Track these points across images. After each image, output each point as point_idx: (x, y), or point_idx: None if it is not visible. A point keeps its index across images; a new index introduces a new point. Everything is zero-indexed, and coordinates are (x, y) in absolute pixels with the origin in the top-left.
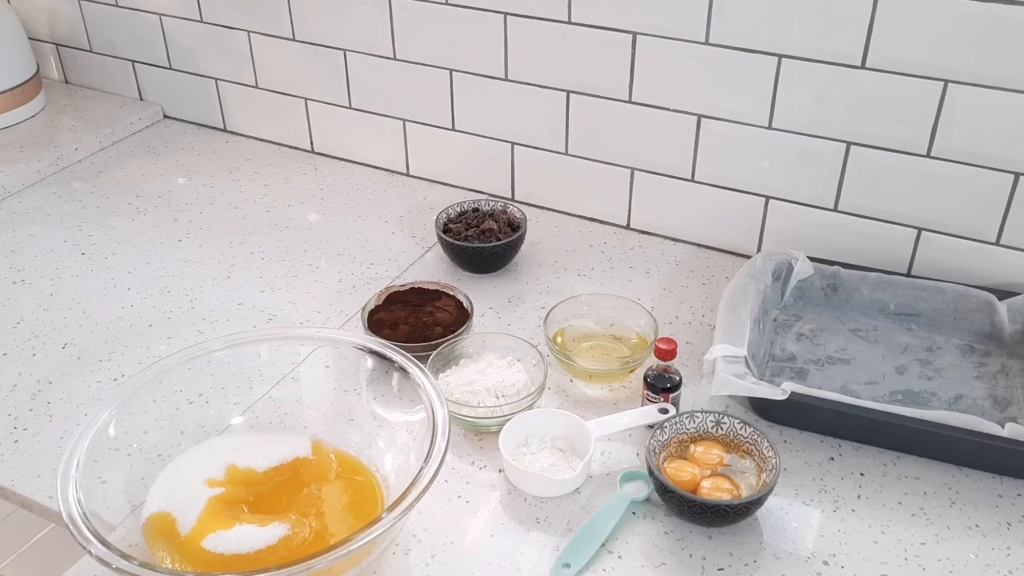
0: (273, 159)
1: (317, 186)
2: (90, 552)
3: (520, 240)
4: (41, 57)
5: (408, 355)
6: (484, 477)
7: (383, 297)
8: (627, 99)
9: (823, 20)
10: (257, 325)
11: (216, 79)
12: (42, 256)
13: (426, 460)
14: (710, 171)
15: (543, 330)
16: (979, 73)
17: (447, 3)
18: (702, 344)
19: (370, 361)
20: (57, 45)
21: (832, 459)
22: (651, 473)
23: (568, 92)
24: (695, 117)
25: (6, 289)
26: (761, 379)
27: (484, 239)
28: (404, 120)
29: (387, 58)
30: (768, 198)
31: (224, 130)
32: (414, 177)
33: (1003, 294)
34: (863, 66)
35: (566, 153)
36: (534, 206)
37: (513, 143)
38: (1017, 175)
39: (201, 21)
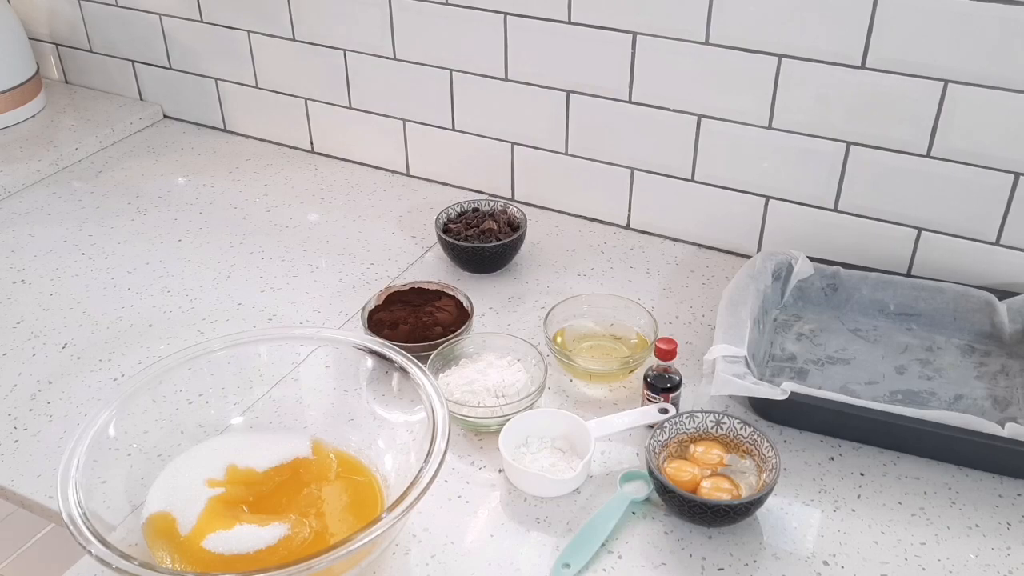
0: (273, 159)
1: (317, 186)
2: (90, 552)
3: (520, 240)
4: (41, 57)
5: (408, 355)
6: (484, 477)
7: (383, 297)
8: (627, 99)
9: (823, 20)
10: (257, 325)
11: (216, 79)
12: (42, 256)
13: (426, 460)
14: (710, 171)
15: (543, 330)
16: (979, 73)
17: (447, 3)
18: (702, 344)
19: (370, 361)
20: (57, 45)
21: (832, 459)
22: (651, 473)
23: (568, 92)
24: (695, 117)
25: (6, 289)
26: (761, 379)
27: (484, 239)
28: (404, 120)
29: (387, 58)
30: (768, 198)
31: (224, 130)
32: (414, 177)
33: (1003, 294)
34: (863, 66)
35: (566, 153)
36: (534, 206)
37: (513, 143)
38: (1017, 175)
39: (201, 21)
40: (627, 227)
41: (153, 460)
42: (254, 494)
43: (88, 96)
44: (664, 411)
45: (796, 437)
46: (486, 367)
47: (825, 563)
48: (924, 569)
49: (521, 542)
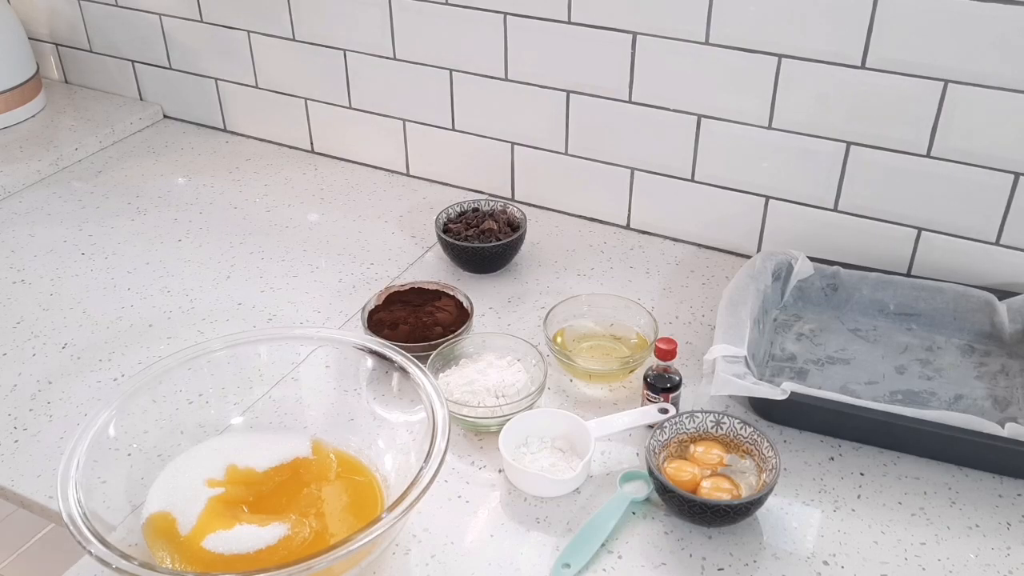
0: (273, 159)
1: (317, 186)
2: (90, 552)
3: (520, 240)
4: (41, 57)
5: (408, 355)
6: (484, 477)
7: (383, 297)
8: (627, 99)
9: (823, 20)
10: (257, 325)
11: (216, 79)
12: (42, 256)
13: (426, 460)
14: (710, 171)
15: (543, 330)
16: (979, 73)
17: (447, 3)
18: (702, 344)
19: (370, 361)
20: (57, 45)
21: (832, 459)
22: (651, 473)
23: (568, 92)
24: (695, 117)
25: (6, 289)
26: (761, 379)
27: (484, 239)
28: (404, 120)
29: (387, 58)
30: (768, 198)
31: (224, 130)
32: (414, 177)
33: (1003, 294)
34: (863, 66)
35: (566, 153)
36: (534, 206)
37: (513, 143)
38: (1017, 175)
39: (201, 21)
40: (627, 227)
41: (153, 460)
42: (254, 494)
43: (88, 96)
44: (664, 411)
45: (796, 437)
46: (486, 367)
47: (825, 563)
48: (924, 569)
49: (521, 542)
